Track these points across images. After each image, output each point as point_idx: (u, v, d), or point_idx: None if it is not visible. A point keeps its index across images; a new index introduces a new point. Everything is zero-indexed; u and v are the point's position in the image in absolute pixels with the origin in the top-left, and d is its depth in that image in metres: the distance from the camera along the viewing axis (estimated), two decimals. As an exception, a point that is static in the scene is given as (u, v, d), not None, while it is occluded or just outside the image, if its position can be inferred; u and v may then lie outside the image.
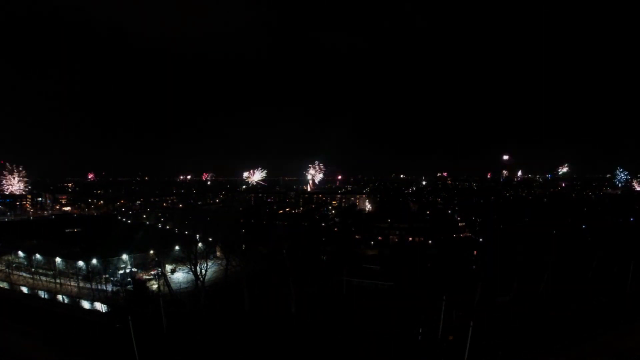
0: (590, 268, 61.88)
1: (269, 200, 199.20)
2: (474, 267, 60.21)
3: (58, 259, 69.58)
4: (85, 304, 59.27)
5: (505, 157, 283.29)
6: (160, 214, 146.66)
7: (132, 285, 62.48)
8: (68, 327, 47.34)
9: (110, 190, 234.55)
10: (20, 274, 73.29)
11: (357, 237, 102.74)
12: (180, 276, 65.54)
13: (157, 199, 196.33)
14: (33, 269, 72.17)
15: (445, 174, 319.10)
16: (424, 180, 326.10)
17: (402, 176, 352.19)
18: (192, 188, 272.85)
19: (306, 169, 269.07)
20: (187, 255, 59.66)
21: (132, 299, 55.46)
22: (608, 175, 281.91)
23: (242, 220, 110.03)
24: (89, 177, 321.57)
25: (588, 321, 44.75)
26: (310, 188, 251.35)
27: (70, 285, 67.04)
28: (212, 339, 42.99)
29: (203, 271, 57.60)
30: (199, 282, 56.59)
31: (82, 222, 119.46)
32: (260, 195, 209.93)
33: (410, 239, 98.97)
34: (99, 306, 56.38)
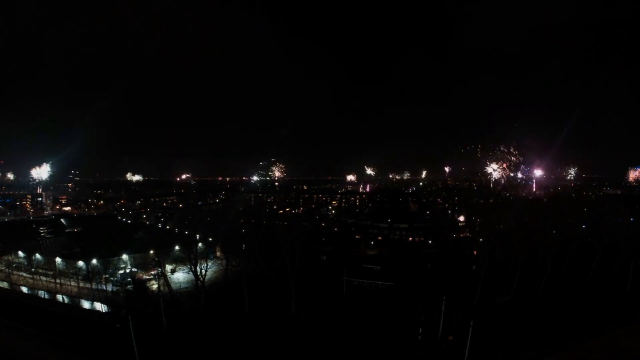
0: (590, 268, 61.90)
1: (269, 200, 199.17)
2: (474, 267, 60.25)
3: (58, 259, 69.53)
4: (85, 304, 59.24)
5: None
6: (160, 214, 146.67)
7: (132, 285, 62.57)
8: (68, 327, 47.40)
9: (110, 190, 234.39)
10: (20, 274, 73.12)
11: (357, 237, 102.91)
12: (180, 276, 65.39)
13: (157, 199, 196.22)
14: (33, 269, 72.06)
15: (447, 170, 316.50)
16: (424, 180, 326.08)
17: (406, 177, 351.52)
18: (192, 188, 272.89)
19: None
20: (187, 255, 59.50)
21: (132, 299, 55.58)
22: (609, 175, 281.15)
23: (242, 220, 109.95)
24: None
25: (588, 321, 44.82)
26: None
27: (70, 285, 66.94)
28: (212, 339, 43.06)
29: (203, 271, 57.56)
30: (199, 282, 56.58)
31: (82, 222, 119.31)
32: (260, 195, 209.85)
33: (410, 239, 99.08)
34: (99, 306, 56.39)
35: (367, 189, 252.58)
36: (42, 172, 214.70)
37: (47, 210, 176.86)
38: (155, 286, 62.60)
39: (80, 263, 66.45)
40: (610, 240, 60.68)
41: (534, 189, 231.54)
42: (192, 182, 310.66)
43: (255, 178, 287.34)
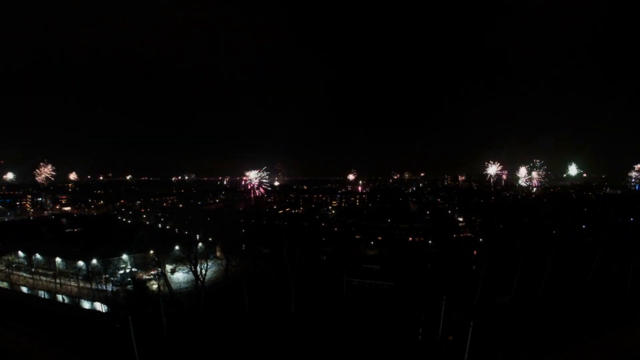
0: (590, 268, 61.89)
1: (269, 200, 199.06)
2: (474, 267, 60.21)
3: (58, 259, 69.50)
4: (85, 304, 59.24)
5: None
6: (160, 214, 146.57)
7: (132, 285, 62.37)
8: (68, 327, 47.43)
9: (111, 190, 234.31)
10: (20, 274, 73.15)
11: (357, 237, 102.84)
12: (180, 276, 65.48)
13: (157, 199, 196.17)
14: (33, 269, 72.06)
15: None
16: (424, 180, 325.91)
17: (406, 176, 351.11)
18: (192, 188, 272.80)
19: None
20: (187, 255, 59.52)
21: (132, 299, 55.45)
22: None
23: (242, 221, 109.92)
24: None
25: (588, 321, 44.82)
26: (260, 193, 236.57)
27: (70, 285, 66.97)
28: (212, 339, 43.06)
29: (203, 271, 57.56)
30: (199, 282, 56.57)
31: (82, 222, 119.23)
32: (260, 195, 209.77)
33: (410, 239, 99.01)
34: (99, 306, 56.39)
35: (367, 189, 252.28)
36: (46, 171, 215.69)
37: (47, 210, 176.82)
38: (155, 286, 62.60)
39: (80, 263, 66.43)
40: (610, 240, 60.64)
41: (534, 189, 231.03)
42: (189, 181, 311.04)
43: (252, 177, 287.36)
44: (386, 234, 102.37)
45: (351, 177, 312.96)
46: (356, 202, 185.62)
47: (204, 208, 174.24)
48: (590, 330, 41.64)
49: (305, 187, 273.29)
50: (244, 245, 69.30)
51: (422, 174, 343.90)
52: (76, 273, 66.57)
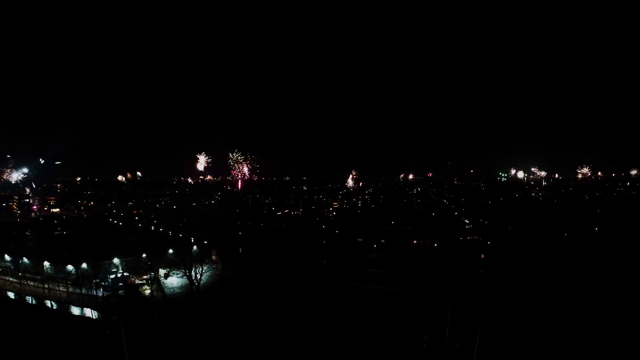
0: (604, 269, 60.91)
1: (267, 201, 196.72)
2: (481, 271, 58.86)
3: (46, 263, 67.09)
4: (75, 310, 57.32)
5: None
6: (153, 216, 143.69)
7: (123, 291, 60.63)
8: (56, 333, 45.01)
9: (101, 192, 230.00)
10: (7, 278, 70.55)
11: (360, 239, 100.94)
12: (173, 281, 63.76)
13: (149, 200, 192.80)
14: (20, 274, 69.43)
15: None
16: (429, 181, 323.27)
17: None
18: (186, 188, 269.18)
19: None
20: (182, 259, 58.14)
21: (123, 305, 53.81)
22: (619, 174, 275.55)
23: (238, 223, 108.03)
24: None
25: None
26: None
27: (59, 290, 64.62)
28: (206, 346, 41.17)
29: (198, 275, 55.93)
30: (193, 287, 54.84)
31: (71, 224, 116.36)
32: (258, 196, 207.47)
33: (415, 241, 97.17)
34: (89, 312, 54.60)
35: (370, 190, 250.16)
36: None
37: (34, 212, 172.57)
38: (147, 291, 60.70)
39: (70, 267, 64.13)
40: (624, 244, 59.64)
41: (545, 190, 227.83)
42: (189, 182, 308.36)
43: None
44: (389, 236, 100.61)
45: (350, 183, 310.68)
46: (358, 203, 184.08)
47: (199, 209, 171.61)
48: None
49: (305, 188, 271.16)
50: (240, 249, 67.61)
51: (429, 174, 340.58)
52: (65, 277, 64.25)
